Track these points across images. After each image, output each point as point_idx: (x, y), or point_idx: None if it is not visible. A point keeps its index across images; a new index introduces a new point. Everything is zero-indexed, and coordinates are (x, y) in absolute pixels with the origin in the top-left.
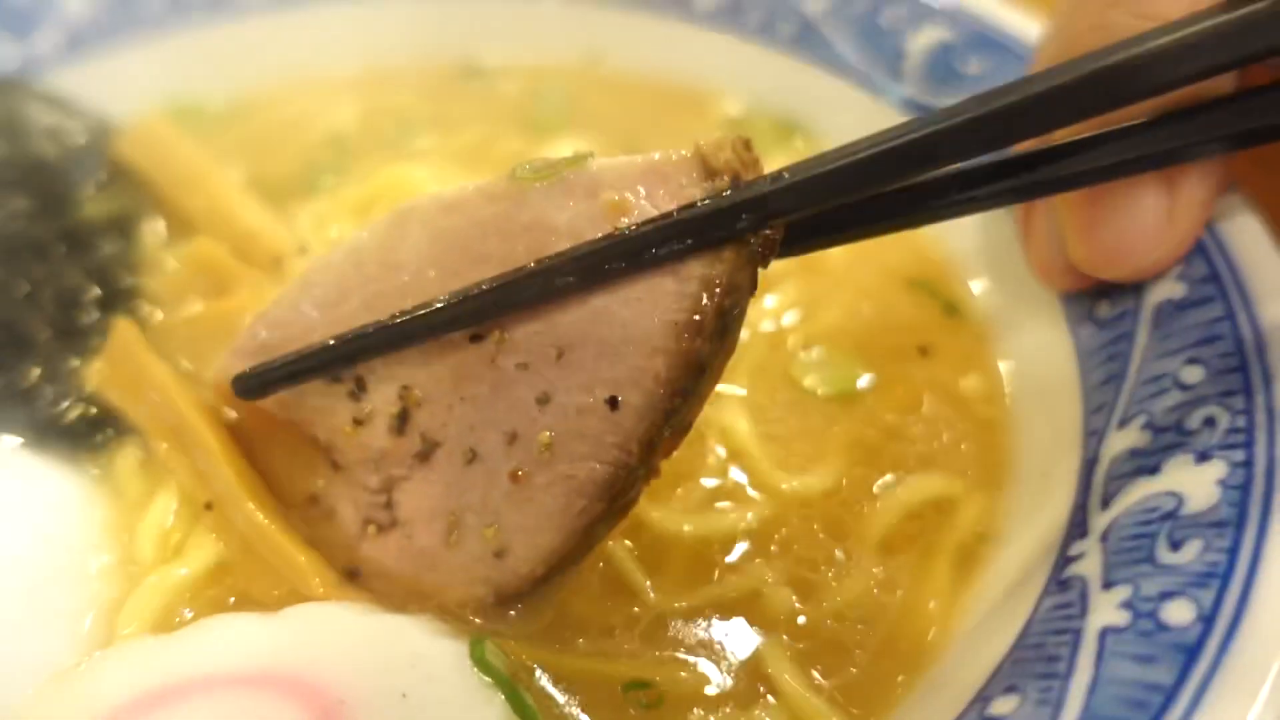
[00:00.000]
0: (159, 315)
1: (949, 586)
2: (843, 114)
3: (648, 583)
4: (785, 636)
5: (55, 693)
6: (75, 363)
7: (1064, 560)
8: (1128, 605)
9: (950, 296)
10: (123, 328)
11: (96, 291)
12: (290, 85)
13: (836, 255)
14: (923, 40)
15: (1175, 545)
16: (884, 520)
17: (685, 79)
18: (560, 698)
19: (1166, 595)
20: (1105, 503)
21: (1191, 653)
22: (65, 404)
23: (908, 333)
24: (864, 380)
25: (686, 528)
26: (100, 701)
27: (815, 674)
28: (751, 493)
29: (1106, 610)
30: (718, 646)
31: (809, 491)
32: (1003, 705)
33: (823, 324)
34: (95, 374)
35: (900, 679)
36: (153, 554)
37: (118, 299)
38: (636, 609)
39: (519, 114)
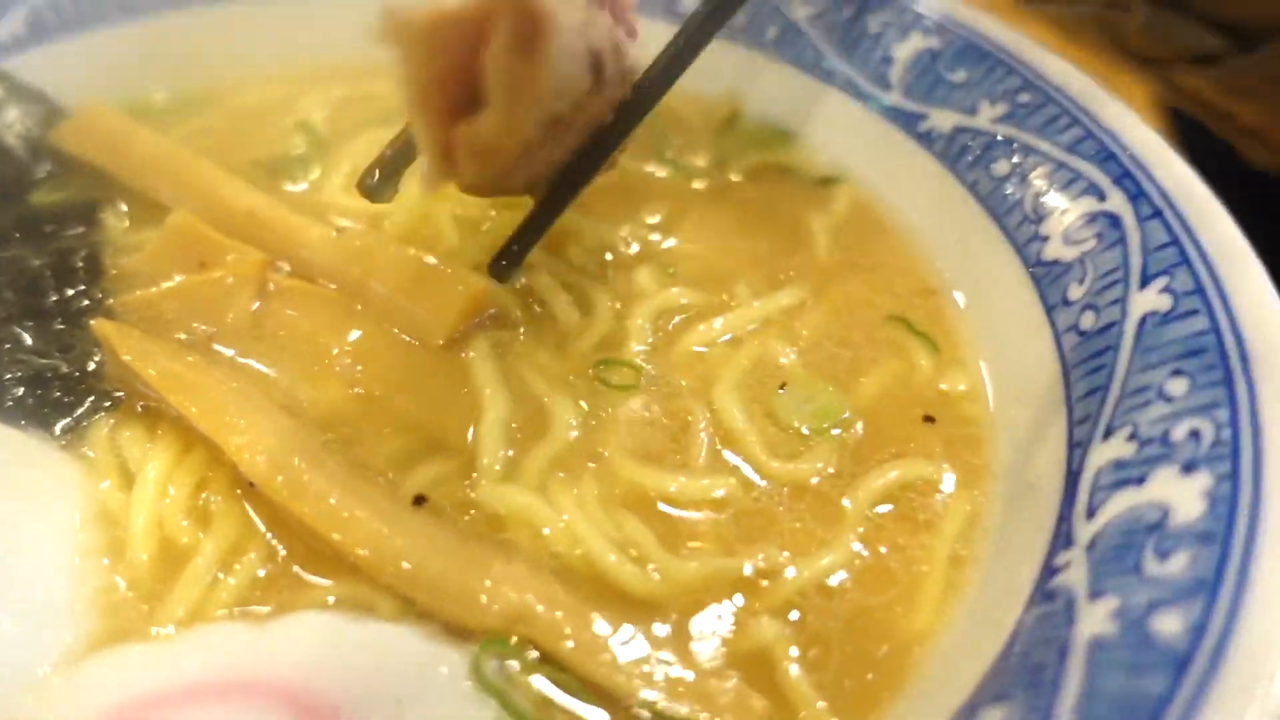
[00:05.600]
0: (136, 293)
1: (934, 594)
2: (830, 120)
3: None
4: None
5: (35, 700)
6: (39, 344)
7: (1050, 570)
8: (1116, 616)
9: (934, 310)
10: (101, 327)
11: (63, 274)
12: (252, 77)
13: (825, 280)
14: (910, 48)
15: (1163, 556)
16: (867, 499)
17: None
18: (565, 705)
19: (1155, 606)
20: (1091, 513)
21: (1182, 663)
22: (26, 385)
23: (890, 353)
24: (846, 414)
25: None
26: (83, 709)
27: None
28: (736, 465)
29: (1095, 620)
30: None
31: (794, 475)
32: (991, 715)
33: (803, 350)
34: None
35: (883, 686)
36: (146, 541)
37: (86, 280)
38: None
39: None
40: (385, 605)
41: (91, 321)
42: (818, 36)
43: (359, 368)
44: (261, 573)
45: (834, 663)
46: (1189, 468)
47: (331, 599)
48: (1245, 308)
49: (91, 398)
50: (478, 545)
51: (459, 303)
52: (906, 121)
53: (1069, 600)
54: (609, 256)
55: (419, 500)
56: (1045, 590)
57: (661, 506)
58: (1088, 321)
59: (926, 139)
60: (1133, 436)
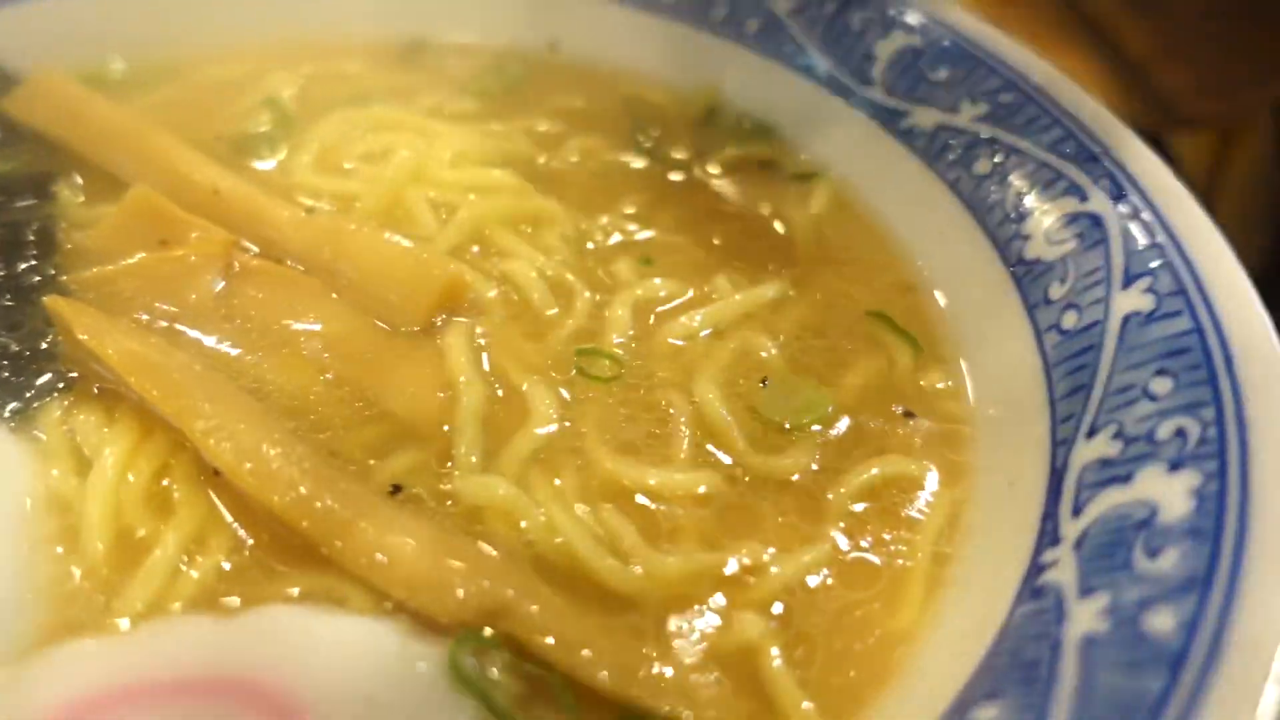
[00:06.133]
0: (93, 269)
1: (917, 591)
2: (810, 116)
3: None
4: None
5: None
6: None
7: (1037, 567)
8: (1108, 613)
9: (913, 307)
10: (55, 304)
11: (12, 247)
12: (215, 51)
13: (805, 275)
14: (892, 45)
15: (1152, 553)
16: (850, 496)
17: (646, 71)
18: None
19: (1147, 603)
20: (1076, 511)
21: (1177, 661)
22: None
23: (870, 349)
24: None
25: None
26: (34, 706)
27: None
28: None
29: (1086, 618)
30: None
31: (778, 470)
32: (985, 712)
33: (784, 344)
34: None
35: (869, 683)
36: (102, 530)
37: (38, 255)
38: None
39: (473, 85)
40: (357, 598)
41: (44, 298)
42: (799, 31)
43: (328, 353)
44: (227, 565)
45: (819, 660)
46: (1175, 466)
47: (298, 591)
48: (1227, 309)
49: (43, 378)
50: (455, 537)
51: (434, 287)
52: (888, 118)
53: (1058, 597)
54: (590, 245)
55: (395, 490)
56: (1033, 587)
57: (642, 500)
58: (1069, 320)
59: (908, 136)
60: (1118, 435)
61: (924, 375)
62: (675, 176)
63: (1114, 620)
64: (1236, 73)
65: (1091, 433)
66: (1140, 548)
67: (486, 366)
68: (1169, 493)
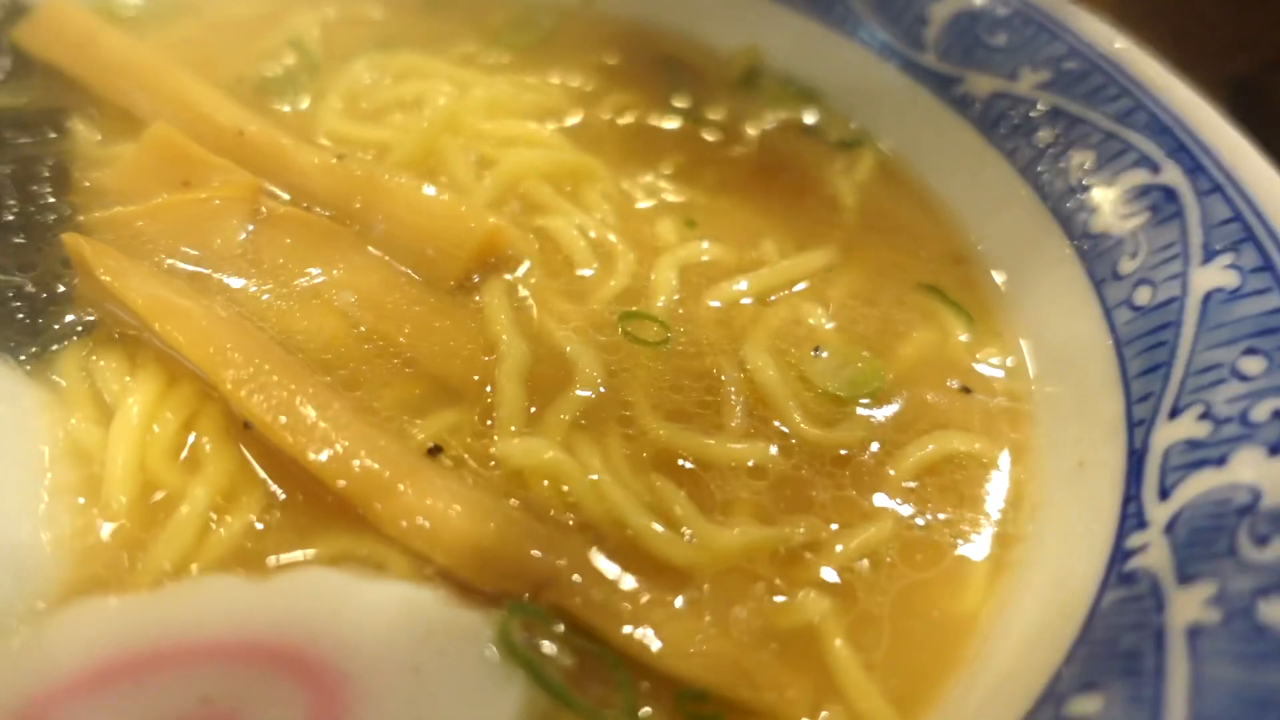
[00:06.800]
0: (113, 209)
1: (982, 572)
2: (857, 80)
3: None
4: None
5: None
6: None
7: (1122, 552)
8: (1216, 602)
9: (966, 279)
10: (75, 242)
11: (25, 184)
12: None
13: (852, 244)
14: (948, 8)
15: (1260, 541)
16: (909, 471)
17: (682, 29)
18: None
19: (1261, 593)
20: (1164, 494)
21: None
22: None
23: (923, 321)
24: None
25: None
26: (56, 668)
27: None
28: (772, 430)
29: (1190, 607)
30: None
31: (834, 442)
32: (1085, 704)
33: (834, 313)
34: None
35: (939, 667)
36: (126, 483)
37: (53, 193)
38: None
39: (504, 37)
40: (397, 563)
41: (63, 235)
42: None
43: (360, 306)
44: (259, 524)
45: (884, 642)
46: (1277, 449)
47: (334, 554)
48: None
49: (60, 322)
50: (501, 503)
51: (472, 242)
52: (940, 84)
53: (1154, 584)
54: (642, 205)
55: (434, 450)
56: (1121, 573)
57: (694, 469)
58: (1143, 296)
59: (961, 103)
60: (1205, 415)
61: (980, 350)
62: (713, 138)
63: (1225, 610)
64: (1196, 46)
65: (1174, 413)
66: (1245, 534)
67: (527, 326)
68: (1272, 477)
